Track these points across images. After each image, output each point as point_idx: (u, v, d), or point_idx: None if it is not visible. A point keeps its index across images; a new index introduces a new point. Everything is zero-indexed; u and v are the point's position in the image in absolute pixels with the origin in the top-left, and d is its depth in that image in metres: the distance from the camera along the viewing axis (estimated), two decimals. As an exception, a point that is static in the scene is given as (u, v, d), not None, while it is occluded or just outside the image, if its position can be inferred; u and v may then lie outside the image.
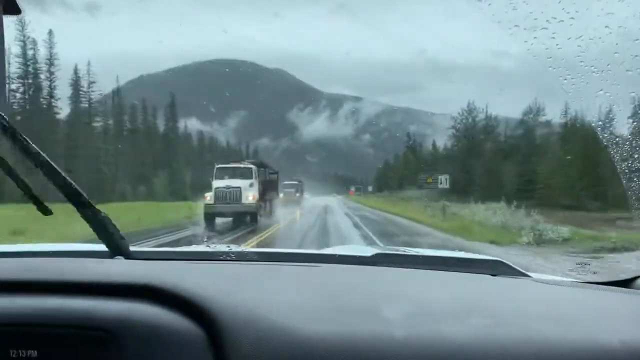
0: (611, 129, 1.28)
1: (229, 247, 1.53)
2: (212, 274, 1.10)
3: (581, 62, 1.34)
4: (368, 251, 1.45)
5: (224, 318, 0.76)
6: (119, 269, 1.04)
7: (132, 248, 1.46)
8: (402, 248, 1.63)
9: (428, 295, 1.02)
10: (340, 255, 1.44)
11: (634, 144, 1.25)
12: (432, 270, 1.29)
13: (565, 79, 1.36)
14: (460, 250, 1.77)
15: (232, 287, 0.95)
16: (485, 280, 1.23)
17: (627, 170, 1.27)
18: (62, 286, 0.85)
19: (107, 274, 0.93)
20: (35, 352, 0.75)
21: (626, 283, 1.26)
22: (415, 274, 1.26)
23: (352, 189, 71.82)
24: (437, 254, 1.52)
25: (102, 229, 1.18)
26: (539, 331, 0.80)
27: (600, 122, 1.31)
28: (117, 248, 1.24)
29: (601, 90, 1.27)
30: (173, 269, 1.08)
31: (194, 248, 1.60)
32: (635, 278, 1.26)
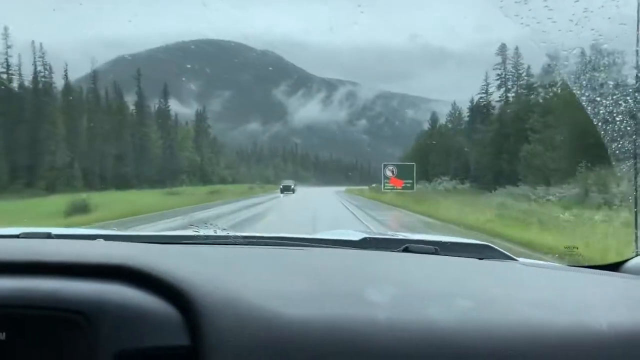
0: (602, 108, 1.29)
1: (214, 230, 1.54)
2: (192, 256, 1.11)
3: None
4: (356, 235, 1.48)
5: (201, 300, 0.77)
6: (93, 250, 1.04)
7: (109, 232, 1.46)
8: (390, 232, 1.65)
9: (414, 278, 1.04)
10: (327, 239, 1.47)
11: (624, 124, 1.27)
12: (419, 254, 1.31)
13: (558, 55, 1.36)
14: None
15: (212, 268, 0.96)
16: (472, 263, 1.25)
17: (617, 152, 1.29)
18: (32, 266, 0.85)
19: (80, 254, 0.93)
20: (3, 334, 0.76)
21: (614, 267, 1.30)
22: (402, 258, 1.28)
23: (391, 171, 27.89)
24: (425, 238, 1.55)
25: None
26: (526, 314, 0.81)
27: (597, 98, 1.31)
28: None
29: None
30: (150, 250, 1.09)
31: (176, 232, 1.60)
32: (623, 262, 1.30)
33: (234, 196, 33.05)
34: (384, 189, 26.73)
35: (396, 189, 26.63)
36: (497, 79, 44.05)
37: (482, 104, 45.56)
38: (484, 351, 0.73)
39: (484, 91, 45.76)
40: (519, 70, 42.56)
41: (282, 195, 36.84)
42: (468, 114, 47.63)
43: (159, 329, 0.75)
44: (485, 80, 45.66)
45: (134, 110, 51.71)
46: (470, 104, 47.35)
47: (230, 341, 0.72)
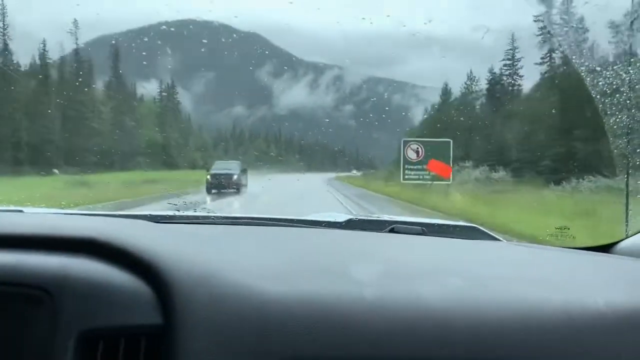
0: (601, 79, 1.24)
1: (194, 210, 1.51)
2: (167, 232, 1.06)
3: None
4: (341, 217, 1.47)
5: (175, 276, 0.72)
6: (59, 223, 0.98)
7: (85, 211, 1.40)
8: (375, 215, 1.65)
9: (401, 257, 1.02)
10: (311, 220, 1.44)
11: (624, 97, 1.22)
12: (405, 235, 1.30)
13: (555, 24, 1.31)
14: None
15: (188, 245, 0.92)
16: (461, 243, 1.24)
17: (615, 127, 1.25)
18: None
19: (44, 227, 0.88)
20: None
21: (605, 248, 1.29)
22: (389, 238, 1.27)
23: (416, 152, 12.09)
24: (411, 220, 1.54)
25: None
26: (520, 292, 0.80)
27: (597, 68, 1.25)
28: None
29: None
30: (121, 225, 1.03)
31: (154, 212, 1.56)
32: (614, 243, 1.30)
33: (177, 188, 20.76)
34: (405, 178, 15.95)
35: (435, 179, 14.76)
36: (539, 34, 33.62)
37: (507, 73, 32.71)
38: (476, 328, 0.70)
39: (509, 57, 33.19)
40: (570, 22, 31.86)
41: (209, 198, 16.30)
42: (487, 85, 35.30)
43: (129, 306, 0.70)
44: (512, 42, 35.57)
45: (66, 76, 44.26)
46: (490, 74, 37.52)
47: (206, 319, 0.67)
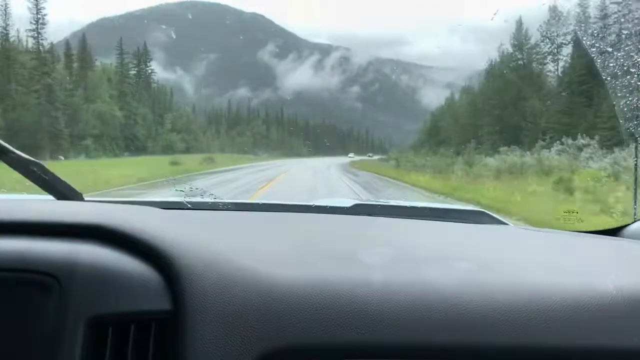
0: (612, 60, 1.23)
1: (201, 196, 1.52)
2: (175, 218, 1.07)
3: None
4: (347, 202, 1.47)
5: (183, 260, 0.73)
6: (65, 209, 0.99)
7: (91, 197, 1.42)
8: (382, 200, 1.66)
9: (409, 242, 1.03)
10: (317, 206, 1.45)
11: (635, 79, 1.21)
12: (413, 219, 1.31)
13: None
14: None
15: (196, 230, 0.93)
16: (468, 228, 1.24)
17: (625, 109, 1.23)
18: None
19: (51, 213, 0.88)
20: None
21: (613, 232, 1.30)
22: (396, 223, 1.28)
23: None
24: (419, 205, 1.55)
25: (40, 177, 1.12)
26: (530, 276, 0.80)
27: (609, 49, 1.24)
28: (63, 194, 1.17)
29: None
30: (128, 211, 1.04)
31: (161, 198, 1.57)
32: (622, 227, 1.30)
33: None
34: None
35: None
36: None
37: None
38: (485, 313, 0.71)
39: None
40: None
41: None
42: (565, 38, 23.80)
43: (137, 292, 0.71)
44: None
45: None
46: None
47: (215, 304, 0.69)
